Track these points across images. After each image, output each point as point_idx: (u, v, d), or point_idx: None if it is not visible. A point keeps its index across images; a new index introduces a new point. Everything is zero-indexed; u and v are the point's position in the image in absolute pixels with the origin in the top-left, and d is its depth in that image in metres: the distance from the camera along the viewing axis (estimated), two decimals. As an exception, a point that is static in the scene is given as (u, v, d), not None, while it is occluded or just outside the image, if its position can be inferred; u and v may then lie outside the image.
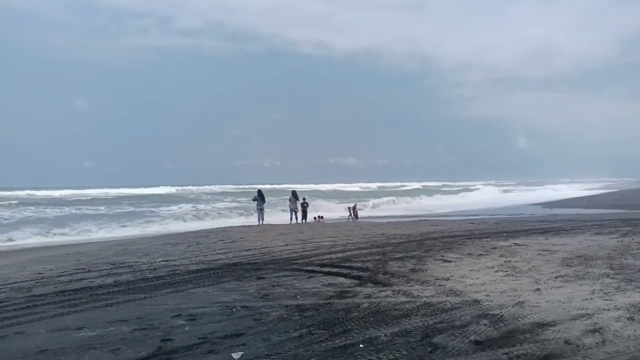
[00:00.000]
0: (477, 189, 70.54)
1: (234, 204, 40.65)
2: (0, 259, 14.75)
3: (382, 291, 7.48)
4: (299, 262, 10.69)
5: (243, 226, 22.94)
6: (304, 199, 26.47)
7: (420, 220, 23.79)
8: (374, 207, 39.90)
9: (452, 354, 4.68)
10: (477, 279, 8.37)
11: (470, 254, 11.33)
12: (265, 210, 24.75)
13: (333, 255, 11.47)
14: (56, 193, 54.88)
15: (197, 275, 9.51)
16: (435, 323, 5.70)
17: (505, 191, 65.06)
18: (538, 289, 7.41)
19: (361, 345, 4.98)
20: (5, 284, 9.29)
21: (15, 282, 9.45)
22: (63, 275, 10.06)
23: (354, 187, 77.94)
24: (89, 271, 10.53)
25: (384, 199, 45.35)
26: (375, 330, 5.47)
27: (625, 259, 10.04)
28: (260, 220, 24.03)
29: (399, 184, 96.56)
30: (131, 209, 37.33)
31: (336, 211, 33.57)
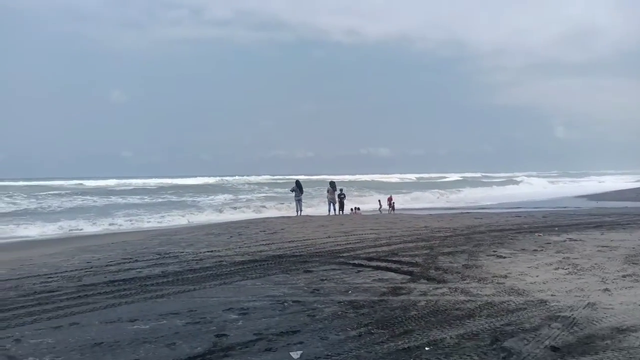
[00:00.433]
0: (520, 180, 68.36)
1: (270, 195, 40.80)
2: (50, 247, 15.10)
3: (437, 288, 7.14)
4: (344, 255, 10.45)
5: (282, 217, 22.88)
6: (340, 189, 26.19)
7: (462, 213, 23.15)
8: (414, 199, 39.19)
9: (528, 360, 4.33)
10: (537, 276, 7.90)
11: (523, 249, 10.81)
12: (303, 201, 24.62)
13: (379, 249, 11.16)
14: (102, 183, 56.46)
15: (244, 267, 9.40)
16: (502, 325, 5.34)
17: (550, 182, 62.89)
18: (607, 289, 6.91)
19: (427, 348, 4.68)
20: (56, 273, 9.42)
21: (66, 271, 9.58)
22: (111, 265, 10.14)
23: (392, 178, 76.87)
24: (136, 261, 10.58)
25: (427, 192, 44.45)
26: (439, 332, 5.15)
27: (697, 257, 9.34)
28: (299, 211, 23.91)
29: (438, 175, 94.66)
30: (172, 198, 37.99)
31: (372, 203, 33.11)
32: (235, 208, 30.45)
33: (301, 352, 4.69)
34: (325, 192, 25.96)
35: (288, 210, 27.57)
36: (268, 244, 12.67)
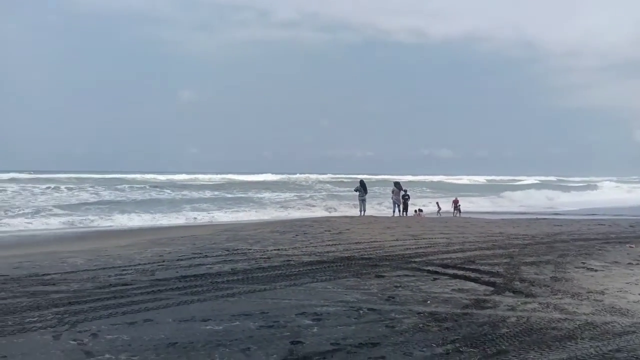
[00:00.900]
0: (599, 185, 63.88)
1: (333, 193, 40.63)
2: (123, 238, 15.61)
3: (526, 303, 6.52)
4: (416, 260, 9.94)
5: (345, 217, 22.55)
6: (405, 190, 25.48)
7: (538, 219, 21.80)
8: (484, 202, 37.54)
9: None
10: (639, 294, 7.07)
11: (616, 262, 9.83)
12: (367, 201, 24.17)
13: (453, 255, 10.55)
14: (176, 177, 58.76)
15: (312, 268, 9.14)
16: (612, 351, 4.70)
17: (632, 188, 58.37)
18: None
19: (528, 374, 4.16)
20: (130, 265, 9.59)
21: (139, 264, 9.73)
22: (182, 260, 10.22)
23: (460, 179, 74.32)
24: (206, 256, 10.61)
25: (499, 195, 42.48)
26: (537, 355, 4.60)
27: None
28: (362, 212, 23.49)
29: (509, 177, 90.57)
30: (237, 194, 38.74)
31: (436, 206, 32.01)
32: (298, 206, 30.50)
33: (384, 368, 4.32)
34: (390, 193, 25.36)
35: (351, 209, 27.20)
36: (335, 245, 12.37)
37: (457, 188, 54.57)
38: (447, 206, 28.97)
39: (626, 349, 4.76)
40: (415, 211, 25.78)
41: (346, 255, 10.61)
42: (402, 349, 4.80)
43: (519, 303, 6.50)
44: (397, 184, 24.75)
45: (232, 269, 9.02)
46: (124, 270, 9.04)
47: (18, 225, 19.51)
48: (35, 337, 5.11)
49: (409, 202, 25.77)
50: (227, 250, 11.50)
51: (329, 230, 15.81)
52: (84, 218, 22.11)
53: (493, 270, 8.73)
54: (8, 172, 57.32)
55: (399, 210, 24.24)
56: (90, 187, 40.39)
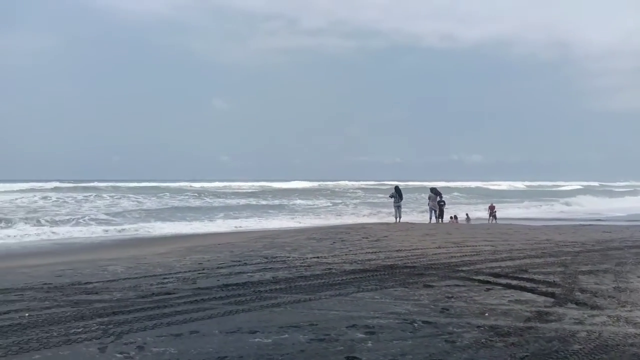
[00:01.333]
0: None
1: (366, 200, 40.21)
2: (161, 246, 15.63)
3: (594, 316, 6.03)
4: (463, 269, 9.49)
5: (380, 223, 22.16)
6: (440, 196, 24.89)
7: (584, 225, 20.88)
8: (522, 208, 36.44)
9: None
10: None
11: (682, 271, 9.14)
12: (402, 207, 23.69)
13: (502, 264, 10.05)
14: (209, 185, 59.51)
15: (355, 276, 8.81)
16: None
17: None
18: None
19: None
20: (170, 273, 9.46)
21: (179, 272, 9.60)
22: (222, 268, 10.05)
23: (500, 185, 72.62)
24: (245, 264, 10.42)
25: (540, 200, 41.22)
26: (622, 376, 4.16)
27: None
28: (398, 218, 23.03)
29: (551, 183, 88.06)
30: (270, 202, 38.76)
31: (476, 212, 31.20)
32: (331, 213, 30.22)
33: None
34: (427, 199, 24.80)
35: (385, 216, 26.75)
36: (375, 252, 12.01)
37: (494, 194, 53.21)
38: (480, 213, 28.22)
39: None
40: (451, 218, 25.15)
41: (389, 263, 10.24)
42: (468, 367, 4.43)
43: (586, 316, 6.02)
44: (433, 190, 24.19)
45: (273, 278, 8.78)
46: (165, 278, 8.91)
47: (61, 232, 19.87)
48: (80, 349, 4.96)
49: (445, 209, 25.19)
50: (266, 258, 11.29)
51: (367, 238, 15.45)
52: (123, 226, 22.38)
53: (549, 280, 8.22)
54: (51, 180, 59.16)
55: (436, 217, 23.66)
56: (129, 195, 41.21)
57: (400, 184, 27.42)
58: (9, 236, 18.53)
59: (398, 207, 23.06)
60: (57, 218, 24.35)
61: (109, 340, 5.24)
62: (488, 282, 8.17)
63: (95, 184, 56.36)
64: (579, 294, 7.25)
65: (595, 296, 7.08)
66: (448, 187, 51.77)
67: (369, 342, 5.16)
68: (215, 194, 45.99)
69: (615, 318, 5.93)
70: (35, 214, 26.34)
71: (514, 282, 8.12)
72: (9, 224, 21.33)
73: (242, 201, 39.19)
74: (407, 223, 22.00)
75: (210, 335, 5.44)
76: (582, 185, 77.21)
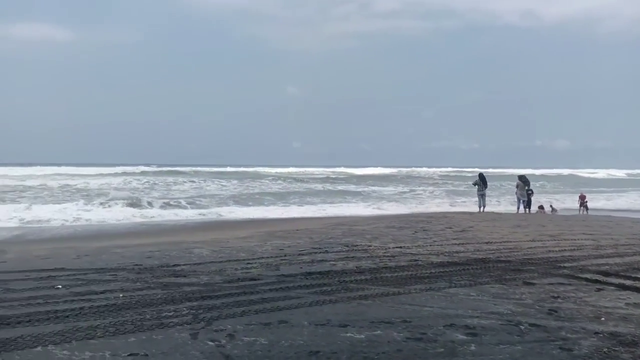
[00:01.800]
0: None
1: (445, 188, 38.91)
2: (241, 229, 15.88)
3: None
4: (566, 265, 8.64)
5: (463, 212, 21.18)
6: (528, 185, 23.34)
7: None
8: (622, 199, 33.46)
9: None
10: None
11: None
12: (487, 195, 22.51)
13: (609, 260, 9.08)
14: (284, 170, 60.69)
15: (445, 270, 8.29)
16: None
17: None
18: None
19: None
20: (253, 258, 9.46)
21: (262, 257, 9.57)
22: (303, 254, 9.91)
23: (596, 173, 67.42)
24: (326, 252, 10.22)
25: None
26: None
27: None
28: (482, 207, 21.91)
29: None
30: (345, 187, 38.61)
31: (567, 202, 29.08)
32: (410, 200, 29.47)
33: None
34: (514, 187, 23.40)
35: (467, 205, 25.63)
36: (462, 244, 11.35)
37: (589, 183, 49.36)
38: (567, 204, 26.21)
39: None
40: (539, 208, 23.60)
41: (480, 256, 9.59)
42: (594, 383, 3.86)
43: None
44: (522, 178, 22.76)
45: (357, 267, 8.48)
46: (248, 263, 8.90)
47: (152, 214, 20.91)
48: (173, 335, 4.93)
49: (532, 198, 23.65)
50: (347, 246, 11.02)
51: (450, 227, 14.73)
52: (207, 209, 23.18)
53: (671, 282, 7.24)
54: (137, 165, 62.99)
55: (524, 207, 22.27)
56: (213, 179, 42.92)
57: (475, 171, 26.04)
58: (103, 216, 19.76)
59: (482, 196, 21.93)
60: (149, 200, 25.73)
61: (200, 326, 5.18)
62: (597, 282, 7.35)
63: (177, 168, 59.19)
64: None
65: None
66: (534, 175, 48.75)
67: (472, 345, 4.70)
68: (290, 179, 46.55)
69: None
70: (131, 196, 28.03)
71: (628, 283, 7.24)
72: (107, 205, 22.74)
73: (318, 187, 39.36)
74: (493, 213, 20.87)
75: (299, 326, 5.23)
76: None
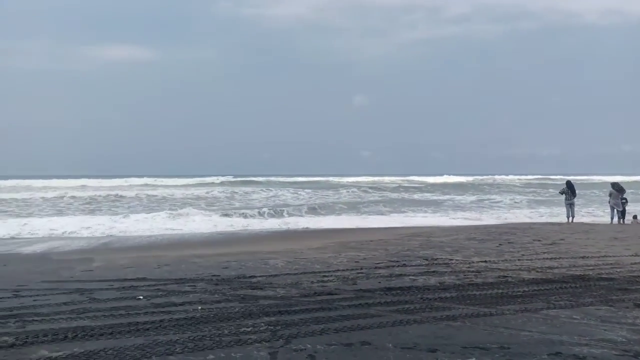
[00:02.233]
0: None
1: (525, 197, 36.78)
2: (314, 239, 15.68)
3: None
4: (683, 285, 7.58)
5: (550, 223, 19.75)
6: (622, 193, 21.33)
7: None
8: None
9: None
10: None
11: None
12: (575, 204, 20.86)
13: None
14: (354, 179, 60.56)
15: (539, 288, 7.55)
16: None
17: None
18: None
19: None
20: (329, 271, 9.18)
21: (338, 270, 9.27)
22: (380, 267, 9.50)
23: None
24: (405, 265, 9.74)
25: None
26: None
27: None
28: (570, 218, 20.31)
29: None
30: (419, 197, 37.61)
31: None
32: (487, 210, 28.07)
33: None
34: (607, 196, 21.52)
35: (553, 215, 23.93)
36: (554, 259, 10.41)
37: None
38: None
39: None
40: (634, 217, 21.50)
41: (577, 273, 8.69)
42: None
43: None
44: (615, 185, 20.89)
45: (439, 283, 7.94)
46: (324, 276, 8.63)
47: (232, 223, 21.46)
48: (251, 353, 4.73)
49: (626, 207, 21.60)
50: (426, 260, 10.46)
51: (539, 240, 13.67)
52: (282, 219, 23.36)
53: None
54: (215, 175, 65.51)
55: (618, 217, 20.39)
56: (288, 188, 43.69)
57: (554, 178, 24.22)
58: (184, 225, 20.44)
59: (571, 205, 20.33)
60: (231, 209, 26.50)
61: (279, 344, 4.95)
62: None
63: (252, 178, 60.75)
64: None
65: None
66: (623, 182, 44.98)
67: (586, 380, 4.09)
68: (362, 188, 46.14)
69: None
70: (212, 206, 29.03)
71: None
72: (189, 214, 23.59)
73: (390, 195, 38.65)
74: (583, 223, 19.27)
75: (384, 349, 4.84)
76: None
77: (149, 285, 7.90)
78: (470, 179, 60.85)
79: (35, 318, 5.82)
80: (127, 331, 5.30)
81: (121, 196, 34.76)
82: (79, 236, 17.48)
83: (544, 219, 22.88)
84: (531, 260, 10.25)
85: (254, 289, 7.56)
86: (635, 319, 5.83)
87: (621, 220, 20.78)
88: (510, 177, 71.96)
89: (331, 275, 8.69)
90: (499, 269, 9.27)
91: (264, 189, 43.86)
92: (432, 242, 13.63)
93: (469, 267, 9.42)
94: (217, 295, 7.11)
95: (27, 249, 14.30)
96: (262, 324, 5.62)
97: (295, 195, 39.07)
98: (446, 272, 8.97)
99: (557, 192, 22.84)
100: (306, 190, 42.60)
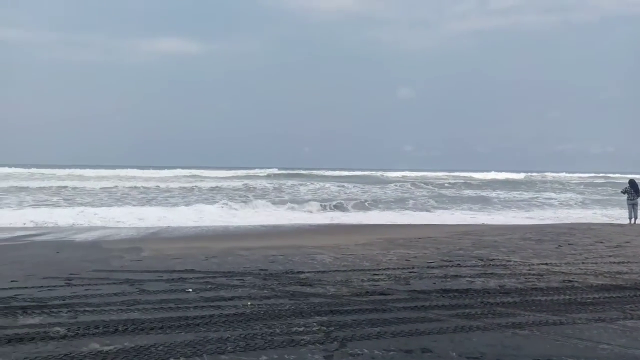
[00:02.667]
0: None
1: (580, 195, 35.06)
2: (359, 235, 15.34)
3: None
4: None
5: (610, 224, 18.61)
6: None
7: None
8: None
9: None
10: None
11: None
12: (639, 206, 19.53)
13: None
14: (398, 174, 59.89)
15: (611, 295, 6.95)
16: None
17: None
18: None
19: None
20: (379, 269, 8.84)
21: (388, 269, 8.92)
22: (433, 267, 9.07)
23: None
24: (459, 265, 9.27)
25: None
26: None
27: None
28: (633, 219, 19.05)
29: None
30: (466, 193, 36.56)
31: None
32: (540, 207, 26.89)
33: None
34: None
35: (612, 216, 22.60)
36: (622, 263, 9.67)
37: None
38: None
39: None
40: None
41: (651, 280, 7.99)
42: None
43: None
44: (633, 183, 19.48)
45: (500, 287, 7.45)
46: (374, 274, 8.30)
47: (277, 214, 21.46)
48: (305, 355, 4.47)
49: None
50: (481, 260, 9.94)
51: (601, 242, 12.81)
52: (325, 213, 23.18)
53: None
54: (253, 168, 66.23)
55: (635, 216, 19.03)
56: (332, 182, 43.63)
57: (622, 177, 22.76)
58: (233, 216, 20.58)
59: (634, 205, 19.06)
60: (280, 201, 26.68)
61: (333, 347, 4.68)
62: None
63: (295, 171, 60.99)
64: None
65: None
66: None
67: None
68: (407, 183, 45.36)
69: None
70: (261, 199, 29.23)
71: None
72: (232, 206, 23.80)
73: (438, 191, 37.78)
74: (646, 225, 18.03)
75: (447, 358, 4.49)
76: None
77: (197, 278, 7.81)
78: (520, 175, 58.75)
79: (87, 308, 5.79)
80: (177, 326, 5.17)
81: (170, 188, 35.48)
82: (127, 226, 17.84)
83: (601, 219, 21.63)
84: (596, 264, 9.55)
85: (303, 286, 7.32)
86: None
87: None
88: (562, 174, 69.14)
89: (382, 274, 8.35)
90: (562, 272, 8.66)
91: (310, 182, 43.85)
92: (485, 242, 13.02)
93: (529, 270, 8.85)
94: (266, 291, 6.92)
95: (79, 237, 14.68)
96: (314, 324, 5.37)
97: (342, 188, 38.84)
98: (505, 274, 8.44)
99: (619, 191, 21.52)
100: (353, 184, 42.34)
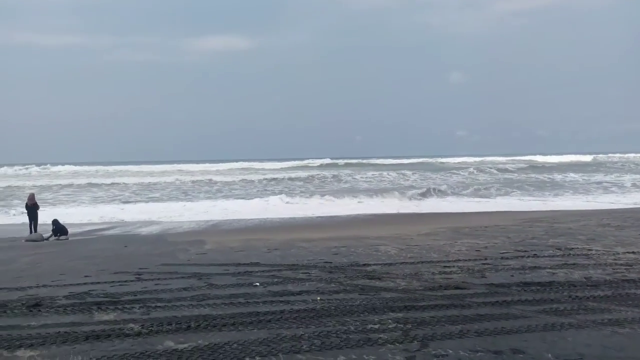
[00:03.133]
0: None
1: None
2: (421, 224, 14.86)
3: None
4: None
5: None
6: None
7: None
8: None
9: None
10: None
11: None
12: None
13: None
14: (452, 160, 58.42)
15: None
16: None
17: None
18: None
19: None
20: (449, 261, 8.41)
21: (459, 260, 8.48)
22: (508, 258, 8.53)
23: None
24: (536, 256, 8.67)
25: None
26: None
27: None
28: None
29: None
30: (530, 176, 34.93)
31: None
32: (609, 191, 25.19)
33: None
34: None
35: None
36: None
37: None
38: None
39: None
40: None
41: None
42: None
43: None
44: None
45: (585, 278, 6.86)
46: (445, 267, 7.89)
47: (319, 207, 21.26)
48: (385, 356, 4.20)
49: None
50: (559, 249, 9.28)
51: (692, 228, 11.71)
52: (388, 201, 22.80)
53: None
54: (310, 158, 66.40)
55: None
56: (388, 171, 43.16)
57: None
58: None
59: None
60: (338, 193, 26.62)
61: (414, 347, 4.38)
62: None
63: (348, 160, 60.65)
64: None
65: None
66: None
67: None
68: (466, 169, 43.97)
69: None
70: (320, 189, 29.27)
71: None
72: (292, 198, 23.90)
73: (502, 175, 36.39)
74: None
75: (539, 358, 4.08)
76: None
77: (263, 271, 7.72)
78: (587, 157, 55.56)
79: (158, 304, 5.79)
80: (249, 322, 5.04)
81: (230, 181, 36.09)
82: (187, 219, 18.18)
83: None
84: (693, 252, 8.67)
85: (371, 279, 7.05)
86: None
87: None
88: (631, 155, 64.90)
89: (453, 266, 7.93)
90: (654, 262, 7.90)
91: (369, 171, 43.48)
92: (559, 229, 12.23)
93: (615, 260, 8.14)
94: (333, 285, 6.70)
95: (145, 230, 15.10)
96: (390, 321, 5.08)
97: (401, 176, 38.26)
98: (589, 264, 7.80)
99: None
100: (412, 172, 41.60)
